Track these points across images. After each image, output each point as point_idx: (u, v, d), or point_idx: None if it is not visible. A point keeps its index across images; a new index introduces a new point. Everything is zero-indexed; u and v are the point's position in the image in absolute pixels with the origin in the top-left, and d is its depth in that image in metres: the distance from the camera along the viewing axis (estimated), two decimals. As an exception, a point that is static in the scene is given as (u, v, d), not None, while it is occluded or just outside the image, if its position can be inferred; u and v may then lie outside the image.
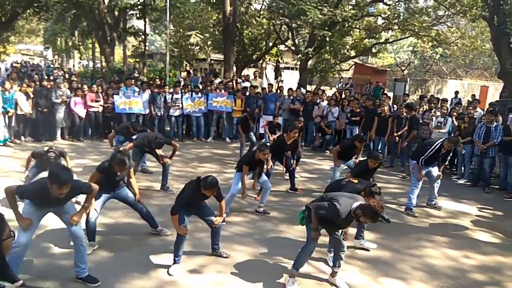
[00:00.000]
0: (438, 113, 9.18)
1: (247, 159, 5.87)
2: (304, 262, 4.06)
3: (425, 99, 11.01)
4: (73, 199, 5.84)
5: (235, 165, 6.02)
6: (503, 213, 6.88)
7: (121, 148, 6.86)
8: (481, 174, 8.30)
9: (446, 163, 7.30)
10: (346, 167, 6.94)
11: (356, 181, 4.82)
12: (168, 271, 4.22)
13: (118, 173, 4.57)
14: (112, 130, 9.41)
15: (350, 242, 5.23)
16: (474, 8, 13.78)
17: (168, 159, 6.80)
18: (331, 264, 4.50)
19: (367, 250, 5.05)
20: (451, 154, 6.92)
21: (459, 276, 4.60)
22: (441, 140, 6.39)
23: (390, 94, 16.24)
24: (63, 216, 3.97)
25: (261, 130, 9.64)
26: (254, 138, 9.30)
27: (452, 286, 4.38)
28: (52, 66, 28.85)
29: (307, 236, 4.06)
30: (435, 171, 6.56)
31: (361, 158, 6.97)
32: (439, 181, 6.68)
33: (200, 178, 4.22)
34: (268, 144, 6.78)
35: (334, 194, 4.06)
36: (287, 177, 7.55)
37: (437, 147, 6.27)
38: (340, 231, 4.16)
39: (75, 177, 5.70)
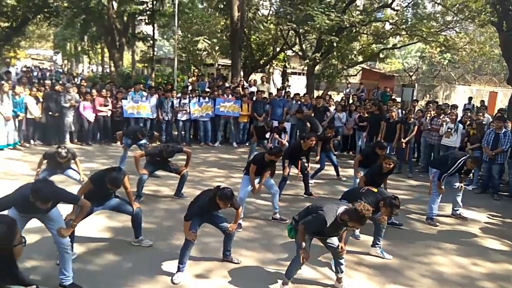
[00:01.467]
0: (448, 119, 9.13)
1: (255, 160, 5.81)
2: (295, 273, 4.05)
3: (431, 105, 10.95)
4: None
5: (243, 169, 6.01)
6: (513, 220, 6.81)
7: (132, 154, 6.88)
8: (490, 181, 8.22)
9: (469, 176, 7.24)
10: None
11: (376, 190, 4.79)
12: (172, 279, 4.19)
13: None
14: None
15: (363, 248, 5.22)
16: (483, 13, 13.71)
17: (184, 167, 6.75)
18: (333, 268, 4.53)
19: (382, 258, 5.02)
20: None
21: (468, 284, 4.55)
22: (464, 157, 6.31)
23: (398, 100, 16.16)
24: (48, 223, 3.89)
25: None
26: (266, 144, 9.35)
27: (461, 294, 4.35)
28: (60, 71, 29.09)
29: (297, 247, 4.00)
30: (455, 181, 6.51)
31: None
32: (461, 192, 6.62)
33: (218, 188, 4.22)
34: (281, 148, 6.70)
35: (318, 203, 4.07)
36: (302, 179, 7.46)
37: (460, 164, 6.22)
38: (336, 242, 4.10)
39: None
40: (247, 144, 11.76)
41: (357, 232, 5.60)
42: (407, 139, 9.20)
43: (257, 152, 8.39)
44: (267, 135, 9.44)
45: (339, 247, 4.07)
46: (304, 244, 3.88)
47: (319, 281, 4.40)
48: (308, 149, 6.96)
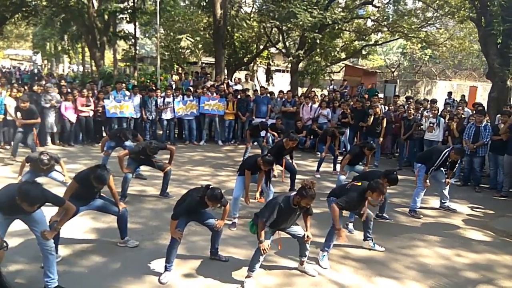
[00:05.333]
0: (430, 114, 9.28)
1: (248, 165, 5.76)
2: (257, 265, 4.17)
3: (411, 100, 11.12)
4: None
5: (229, 168, 6.00)
6: (494, 212, 6.96)
7: (115, 154, 6.79)
8: (471, 174, 8.39)
9: (454, 170, 7.37)
10: (355, 173, 6.93)
11: (360, 183, 4.85)
12: (159, 279, 4.17)
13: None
14: (104, 135, 9.33)
15: (349, 242, 5.26)
16: (462, 9, 13.92)
17: (168, 164, 6.72)
18: (321, 262, 4.64)
19: (375, 250, 5.10)
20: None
21: (452, 275, 4.64)
22: (448, 149, 6.46)
23: (381, 96, 16.33)
24: (32, 225, 3.82)
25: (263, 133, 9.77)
26: (261, 142, 9.39)
27: (445, 284, 4.43)
28: (30, 72, 28.26)
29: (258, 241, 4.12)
30: (440, 175, 6.64)
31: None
32: (447, 186, 6.74)
33: (208, 187, 4.21)
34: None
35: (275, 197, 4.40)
36: (288, 176, 7.47)
37: (445, 156, 6.35)
38: (300, 231, 4.30)
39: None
40: (232, 142, 11.76)
41: (350, 226, 5.67)
42: (406, 135, 9.46)
43: (251, 154, 8.43)
44: (262, 134, 9.48)
45: (305, 236, 4.27)
46: (262, 236, 4.04)
47: (307, 276, 4.43)
48: (290, 148, 7.00)
